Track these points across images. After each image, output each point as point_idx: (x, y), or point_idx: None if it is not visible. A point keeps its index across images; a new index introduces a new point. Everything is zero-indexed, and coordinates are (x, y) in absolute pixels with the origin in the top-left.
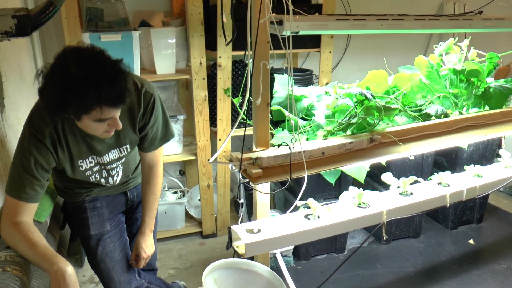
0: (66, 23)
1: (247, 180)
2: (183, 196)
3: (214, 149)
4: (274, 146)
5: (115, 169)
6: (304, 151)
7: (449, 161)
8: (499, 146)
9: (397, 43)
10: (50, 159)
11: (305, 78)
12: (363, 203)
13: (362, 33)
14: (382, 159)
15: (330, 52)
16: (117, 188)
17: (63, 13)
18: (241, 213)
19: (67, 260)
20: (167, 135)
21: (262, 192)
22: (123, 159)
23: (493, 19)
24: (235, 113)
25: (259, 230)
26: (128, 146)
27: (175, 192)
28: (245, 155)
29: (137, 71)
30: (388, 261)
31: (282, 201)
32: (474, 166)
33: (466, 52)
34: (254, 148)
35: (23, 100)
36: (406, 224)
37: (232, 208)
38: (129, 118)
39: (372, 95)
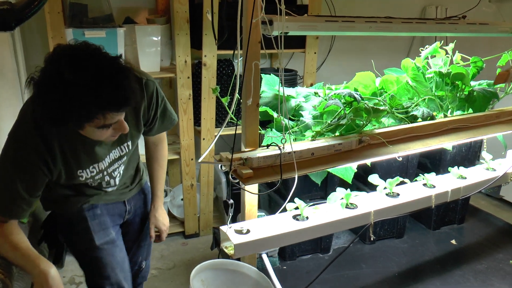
0: (49, 19)
1: (237, 180)
2: (166, 195)
3: (198, 149)
4: (263, 146)
5: (117, 170)
6: (294, 152)
7: (433, 162)
8: (480, 149)
9: (380, 46)
10: (39, 178)
11: (290, 78)
12: (351, 204)
13: (351, 34)
14: (371, 160)
15: (315, 53)
16: (116, 197)
17: (46, 8)
18: (230, 214)
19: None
20: (172, 119)
21: (252, 192)
22: (124, 158)
23: (477, 24)
24: (219, 113)
25: (248, 231)
26: (129, 143)
27: None
28: (235, 155)
29: None
30: (373, 261)
31: (267, 201)
32: (458, 168)
33: (451, 56)
34: (243, 148)
35: (3, 97)
36: (391, 224)
37: (215, 208)
38: (132, 113)
39: (360, 97)
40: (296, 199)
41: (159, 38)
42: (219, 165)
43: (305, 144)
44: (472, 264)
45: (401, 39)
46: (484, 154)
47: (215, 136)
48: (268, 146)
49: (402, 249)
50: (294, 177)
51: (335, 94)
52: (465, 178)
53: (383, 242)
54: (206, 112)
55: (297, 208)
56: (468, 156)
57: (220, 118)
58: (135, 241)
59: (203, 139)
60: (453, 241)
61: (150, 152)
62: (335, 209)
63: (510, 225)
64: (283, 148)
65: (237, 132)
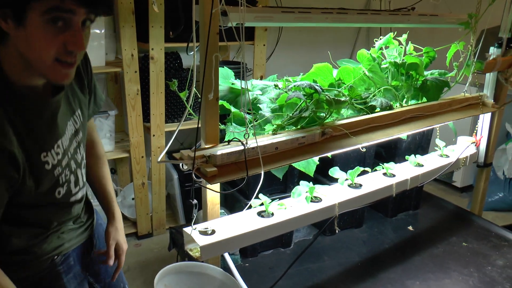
0: None
1: (201, 180)
2: (116, 196)
3: (147, 146)
4: (224, 142)
5: (78, 152)
6: (258, 147)
7: (388, 151)
8: (432, 136)
9: (327, 38)
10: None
11: (239, 70)
12: (315, 197)
13: (307, 26)
14: (335, 152)
15: (264, 45)
16: (84, 224)
17: None
18: (194, 215)
19: None
20: (102, 97)
21: (218, 191)
22: (80, 135)
23: (428, 15)
24: (168, 108)
25: (213, 231)
26: (79, 112)
27: None
28: (198, 153)
29: None
30: (335, 252)
31: (223, 197)
32: (415, 156)
33: (404, 46)
34: (203, 145)
35: None
36: (350, 215)
37: (167, 206)
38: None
39: (321, 88)
40: (260, 195)
41: (103, 31)
42: (180, 164)
43: (268, 138)
44: (429, 249)
45: (347, 32)
46: (437, 141)
47: (175, 131)
48: (229, 141)
49: (362, 239)
50: (256, 173)
51: (295, 86)
52: (422, 165)
53: (343, 232)
54: (155, 107)
55: (261, 204)
56: (422, 144)
57: (170, 113)
58: (110, 273)
59: (153, 135)
60: (410, 227)
61: (92, 165)
62: (300, 203)
63: (460, 208)
64: (246, 143)
65: (195, 128)
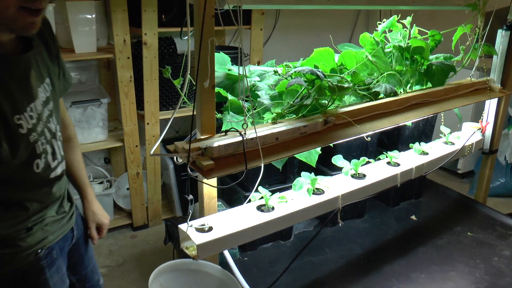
0: None
1: (196, 174)
2: (110, 186)
3: (142, 134)
4: (221, 132)
5: (51, 121)
6: (258, 138)
7: (391, 139)
8: (435, 122)
9: (325, 22)
10: None
11: (236, 56)
12: (317, 189)
13: (308, 8)
14: (339, 141)
15: (261, 29)
16: (67, 215)
17: None
18: (190, 211)
19: None
20: (70, 76)
21: (214, 186)
22: (51, 104)
23: None
24: (163, 95)
25: (210, 228)
26: (49, 80)
27: (101, 183)
28: (193, 145)
29: None
30: (337, 244)
31: (225, 189)
32: (420, 143)
33: (409, 29)
34: (198, 136)
35: None
36: (351, 205)
37: (163, 196)
38: (40, 37)
39: (323, 74)
40: (260, 188)
41: (94, 15)
42: (175, 157)
43: (268, 128)
44: (434, 239)
45: (346, 15)
46: (442, 128)
47: (169, 121)
48: (226, 132)
49: (364, 229)
50: (256, 166)
51: (295, 72)
52: (427, 154)
53: (344, 223)
54: (149, 94)
55: (261, 198)
56: (425, 130)
57: (164, 100)
58: (86, 265)
59: (147, 123)
60: (413, 217)
61: (65, 153)
62: (302, 196)
63: (463, 196)
64: (245, 134)
65: (189, 116)
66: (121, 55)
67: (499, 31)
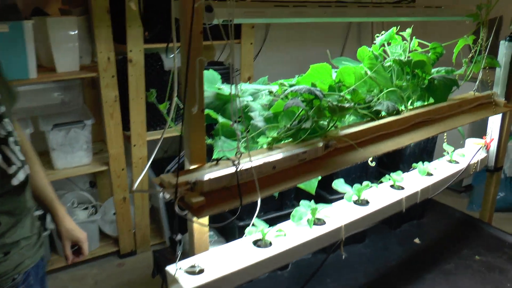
0: None
1: (185, 212)
2: (96, 212)
3: (128, 156)
4: (213, 161)
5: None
6: (253, 168)
7: (391, 157)
8: (437, 139)
9: (316, 34)
10: None
11: (225, 72)
12: (318, 219)
13: (303, 21)
14: (342, 168)
15: (251, 43)
16: (39, 238)
17: None
18: (178, 253)
19: None
20: (15, 89)
21: (205, 225)
22: (7, 119)
23: (434, 7)
24: (150, 115)
25: (201, 271)
26: None
27: (86, 208)
28: (181, 179)
29: (32, 70)
30: (338, 273)
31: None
32: (423, 163)
33: (409, 42)
34: (187, 166)
35: None
36: None
37: (151, 220)
38: None
39: (322, 93)
40: (256, 221)
41: (76, 31)
42: (161, 194)
43: (263, 155)
44: (440, 264)
45: (337, 27)
46: (445, 146)
47: (158, 140)
48: (218, 161)
49: (366, 255)
50: (251, 201)
51: (292, 91)
52: (432, 174)
53: (345, 249)
54: (135, 114)
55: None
56: (427, 147)
57: (152, 120)
58: None
59: (134, 145)
60: (417, 240)
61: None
62: (302, 228)
63: (467, 215)
64: (239, 163)
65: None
66: (105, 73)
67: (502, 42)
